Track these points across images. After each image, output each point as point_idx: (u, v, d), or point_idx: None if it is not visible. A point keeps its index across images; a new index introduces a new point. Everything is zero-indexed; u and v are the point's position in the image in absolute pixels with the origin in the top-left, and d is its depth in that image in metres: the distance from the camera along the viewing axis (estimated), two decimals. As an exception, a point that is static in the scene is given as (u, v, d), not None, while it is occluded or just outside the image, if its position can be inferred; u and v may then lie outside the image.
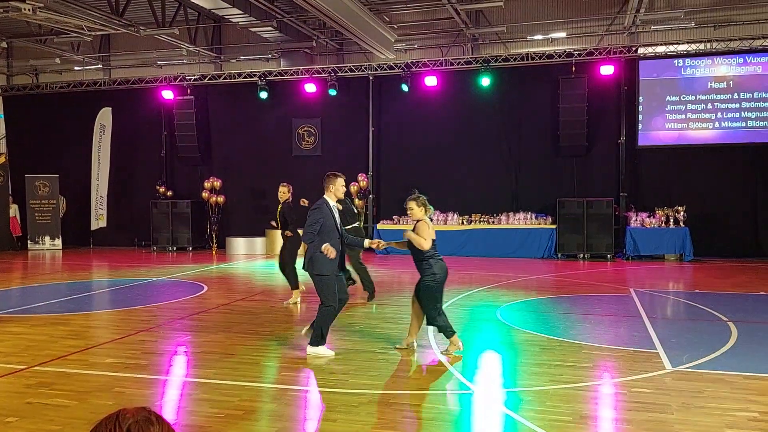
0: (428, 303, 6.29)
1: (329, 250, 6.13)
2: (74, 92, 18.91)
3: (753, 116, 14.73)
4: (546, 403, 4.85)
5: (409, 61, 16.36)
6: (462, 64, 16.11)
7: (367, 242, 6.74)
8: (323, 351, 6.34)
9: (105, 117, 18.91)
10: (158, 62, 18.27)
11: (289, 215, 9.25)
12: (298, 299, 9.38)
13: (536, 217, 15.62)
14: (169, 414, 4.73)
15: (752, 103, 14.73)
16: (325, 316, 6.29)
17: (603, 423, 4.53)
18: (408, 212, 6.35)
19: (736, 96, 14.82)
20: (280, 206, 9.38)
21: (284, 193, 9.37)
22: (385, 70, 16.63)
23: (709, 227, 14.96)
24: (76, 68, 18.64)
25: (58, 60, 17.66)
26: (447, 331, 6.32)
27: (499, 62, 15.79)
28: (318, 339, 6.33)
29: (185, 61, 18.08)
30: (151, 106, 18.63)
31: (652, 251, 14.67)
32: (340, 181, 6.58)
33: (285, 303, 9.34)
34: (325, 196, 6.51)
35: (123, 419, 1.39)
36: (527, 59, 15.59)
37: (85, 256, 16.79)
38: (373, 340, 7.02)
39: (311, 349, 6.37)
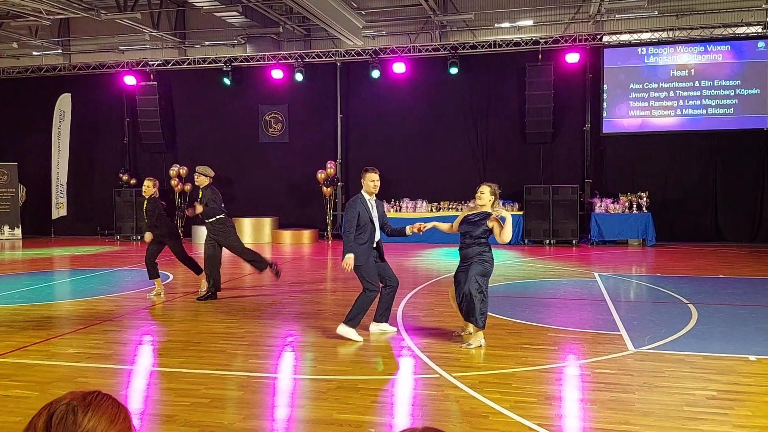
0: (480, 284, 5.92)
1: (348, 264, 6.24)
2: (32, 77, 18.42)
3: (713, 104, 15.04)
4: (512, 385, 4.91)
5: (377, 48, 16.29)
6: (430, 51, 16.11)
7: (408, 229, 6.52)
8: (353, 335, 6.36)
9: (64, 103, 18.44)
10: (120, 47, 17.87)
11: (151, 212, 8.68)
12: (162, 291, 8.98)
13: (503, 204, 15.75)
14: (134, 404, 4.66)
15: (712, 90, 15.04)
16: (364, 301, 6.37)
17: (567, 403, 4.61)
18: (477, 195, 5.99)
19: (697, 84, 15.11)
20: (145, 202, 8.79)
21: (149, 188, 8.82)
22: (353, 56, 16.54)
23: (671, 212, 15.30)
24: (34, 53, 18.13)
25: (15, 44, 17.13)
26: (479, 320, 5.93)
27: (467, 50, 15.84)
28: (354, 321, 6.38)
29: (148, 46, 17.71)
30: (113, 92, 18.23)
31: (616, 236, 14.94)
32: (369, 176, 6.53)
33: (148, 295, 8.92)
34: (362, 190, 6.55)
35: (56, 402, 1.27)
36: (494, 47, 15.67)
37: (45, 245, 16.41)
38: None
39: (342, 328, 6.38)
